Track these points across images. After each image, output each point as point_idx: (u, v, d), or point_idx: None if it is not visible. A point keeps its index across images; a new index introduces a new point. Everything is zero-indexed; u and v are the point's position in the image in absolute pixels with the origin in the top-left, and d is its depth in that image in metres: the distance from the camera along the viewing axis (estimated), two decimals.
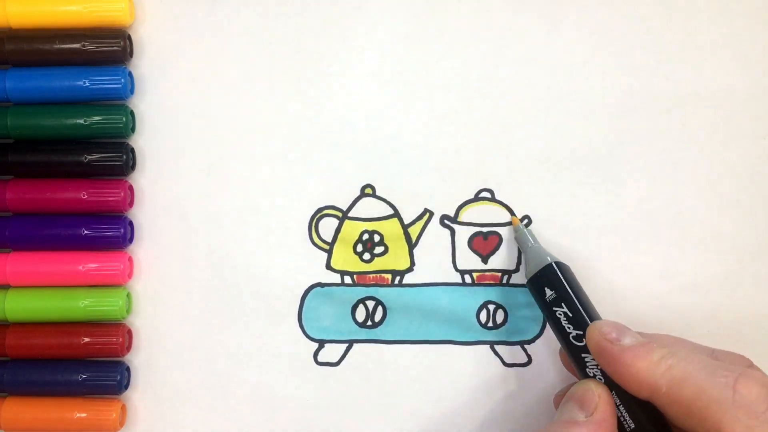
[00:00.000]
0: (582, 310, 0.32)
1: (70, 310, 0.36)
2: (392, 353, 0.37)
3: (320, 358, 0.37)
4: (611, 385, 0.31)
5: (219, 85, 0.37)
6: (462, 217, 0.37)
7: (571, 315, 0.32)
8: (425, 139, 0.37)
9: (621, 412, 0.30)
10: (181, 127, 0.37)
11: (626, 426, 0.30)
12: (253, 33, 0.37)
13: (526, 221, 0.36)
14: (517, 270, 0.37)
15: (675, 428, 0.29)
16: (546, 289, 0.33)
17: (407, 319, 0.37)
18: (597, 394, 0.30)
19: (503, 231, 0.37)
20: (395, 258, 0.37)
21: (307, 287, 0.37)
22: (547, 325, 0.36)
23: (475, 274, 0.37)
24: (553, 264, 0.34)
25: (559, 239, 0.36)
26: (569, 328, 0.32)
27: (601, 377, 0.31)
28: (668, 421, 0.29)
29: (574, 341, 0.32)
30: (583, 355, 0.32)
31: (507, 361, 0.37)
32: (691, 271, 0.36)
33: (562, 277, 0.33)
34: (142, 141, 0.37)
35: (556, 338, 0.33)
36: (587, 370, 0.32)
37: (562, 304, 0.33)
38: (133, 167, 0.37)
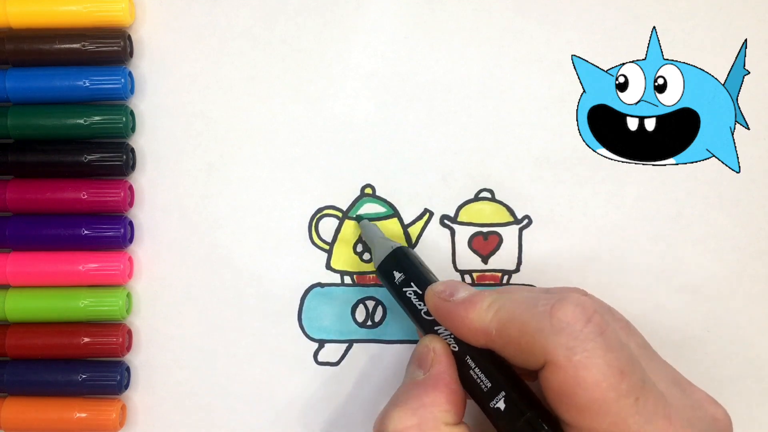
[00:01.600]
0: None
1: (70, 310, 0.36)
2: (392, 353, 0.37)
3: (320, 358, 0.37)
4: (465, 349, 0.31)
5: (219, 85, 0.37)
6: (462, 217, 0.37)
7: (420, 292, 0.33)
8: (425, 139, 0.37)
9: (477, 375, 0.30)
10: (181, 127, 0.37)
11: (483, 387, 0.30)
12: (253, 33, 0.37)
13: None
14: (517, 270, 0.37)
15: (518, 369, 0.30)
16: (395, 272, 0.33)
17: (407, 319, 0.37)
18: (431, 348, 0.31)
19: (503, 231, 0.37)
20: None
21: (307, 287, 0.37)
22: None
23: (475, 275, 0.37)
24: (402, 248, 0.34)
25: (559, 239, 0.36)
26: (420, 305, 0.33)
27: (455, 345, 0.31)
28: (510, 363, 0.30)
29: (425, 317, 0.32)
30: (435, 327, 0.32)
31: None
32: (691, 271, 0.36)
33: (410, 258, 0.34)
34: (142, 141, 0.37)
35: (410, 320, 0.33)
36: None
37: (411, 284, 0.33)
38: (133, 167, 0.37)
